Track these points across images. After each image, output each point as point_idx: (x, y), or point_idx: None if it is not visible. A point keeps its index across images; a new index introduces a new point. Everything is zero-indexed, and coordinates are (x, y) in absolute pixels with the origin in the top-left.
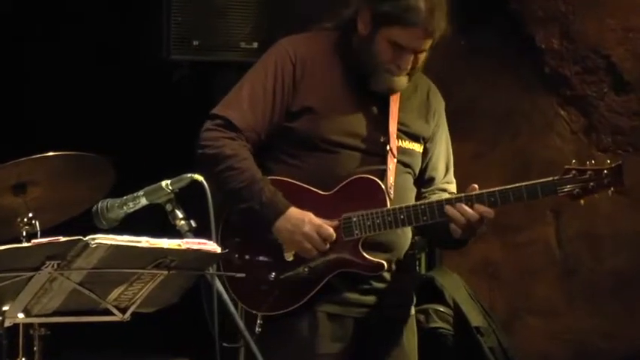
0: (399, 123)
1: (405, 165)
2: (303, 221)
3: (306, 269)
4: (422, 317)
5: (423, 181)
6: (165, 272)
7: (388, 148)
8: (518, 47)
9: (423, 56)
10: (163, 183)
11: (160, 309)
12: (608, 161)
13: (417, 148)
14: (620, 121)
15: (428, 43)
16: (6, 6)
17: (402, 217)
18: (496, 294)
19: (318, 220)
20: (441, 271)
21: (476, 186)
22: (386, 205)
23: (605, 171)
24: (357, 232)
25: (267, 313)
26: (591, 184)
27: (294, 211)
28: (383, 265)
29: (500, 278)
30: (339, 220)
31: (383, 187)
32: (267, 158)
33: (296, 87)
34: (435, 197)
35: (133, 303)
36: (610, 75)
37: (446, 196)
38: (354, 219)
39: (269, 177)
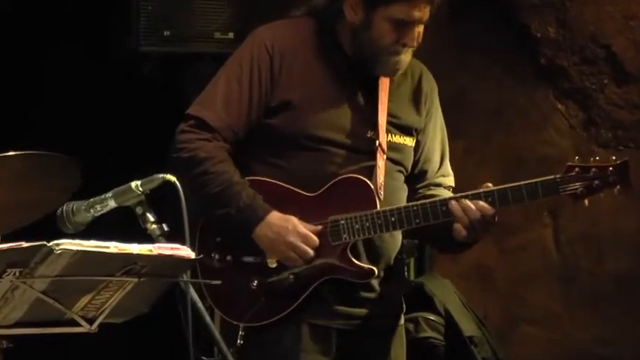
0: (389, 114)
1: (396, 162)
2: (286, 229)
3: (291, 276)
4: (411, 326)
5: (415, 175)
6: (136, 279)
7: (377, 143)
8: (512, 36)
9: (422, 29)
10: (133, 184)
11: (130, 319)
12: (614, 157)
13: (409, 142)
14: (621, 114)
15: (429, 11)
16: None
17: (393, 219)
18: (490, 301)
19: (302, 228)
20: (431, 276)
21: (490, 184)
22: (376, 207)
23: (611, 168)
24: (345, 236)
25: (249, 323)
26: (596, 182)
27: (275, 217)
28: (373, 271)
29: (495, 284)
30: (326, 223)
31: (372, 187)
32: (249, 157)
33: (274, 80)
34: (430, 193)
35: (101, 313)
36: (610, 65)
37: (441, 194)
38: (342, 222)
39: (249, 178)
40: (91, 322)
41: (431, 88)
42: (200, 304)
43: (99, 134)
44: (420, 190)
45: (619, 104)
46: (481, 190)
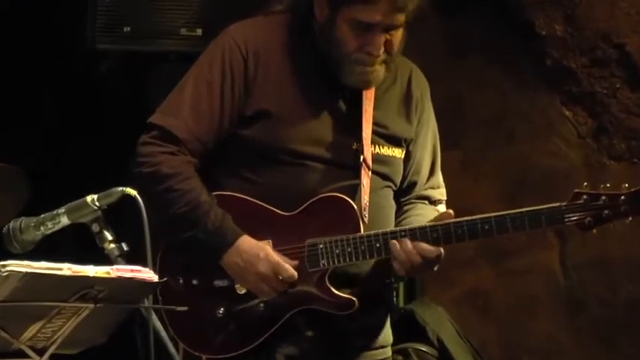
0: (375, 124)
1: (384, 177)
2: (257, 257)
3: (261, 305)
4: (400, 358)
5: (404, 189)
6: (92, 305)
7: (361, 158)
8: (514, 35)
9: (397, 37)
10: (89, 198)
11: (84, 350)
12: (626, 185)
13: (398, 153)
14: (636, 122)
15: (399, 18)
16: None
17: (377, 245)
18: (488, 330)
19: (275, 257)
20: (422, 303)
21: (451, 212)
22: (359, 231)
23: (623, 197)
24: (323, 262)
25: (213, 356)
26: (606, 211)
27: (246, 242)
28: (353, 302)
29: (494, 312)
30: (303, 247)
31: (355, 208)
32: (219, 171)
33: (248, 86)
34: (412, 212)
35: (53, 343)
36: (623, 68)
37: (419, 212)
38: (321, 246)
39: (217, 192)
40: (40, 353)
41: (422, 91)
42: (163, 333)
43: (50, 142)
44: (404, 206)
45: (633, 111)
46: (466, 219)
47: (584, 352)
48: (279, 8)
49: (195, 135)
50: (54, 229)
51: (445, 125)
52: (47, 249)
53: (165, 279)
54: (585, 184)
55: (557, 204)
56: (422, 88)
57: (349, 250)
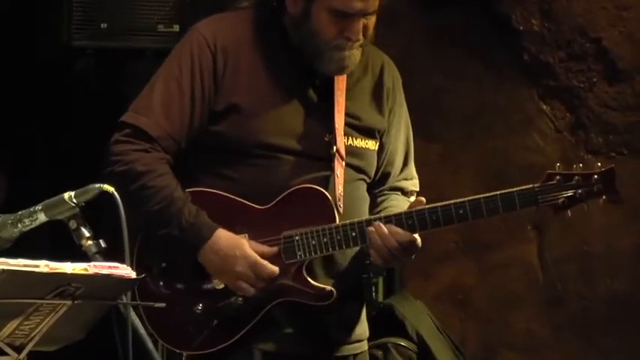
0: (347, 115)
1: (357, 169)
2: (234, 256)
3: (240, 299)
4: (379, 353)
5: (377, 180)
6: (69, 302)
7: (334, 149)
8: (492, 30)
9: (373, 20)
10: (66, 195)
11: (63, 347)
12: (599, 164)
13: (372, 145)
14: (613, 116)
15: (376, 3)
16: None
17: (354, 234)
18: (468, 325)
19: (253, 254)
20: (402, 297)
21: (422, 199)
22: (334, 221)
23: (596, 176)
24: (300, 253)
25: (193, 352)
26: (579, 191)
27: (223, 238)
28: (332, 292)
29: (473, 306)
30: (279, 239)
31: (330, 198)
32: (193, 168)
33: (218, 81)
34: (386, 204)
35: (30, 340)
36: (600, 62)
37: (394, 204)
38: (297, 238)
39: (191, 189)
40: (18, 350)
41: (394, 82)
42: (142, 330)
43: (26, 140)
44: (378, 197)
45: (610, 105)
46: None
47: (563, 347)
48: (247, 4)
49: (168, 133)
50: (31, 226)
51: (424, 119)
52: (24, 246)
53: (143, 275)
54: (558, 164)
55: (531, 185)
56: (394, 78)
57: (325, 240)
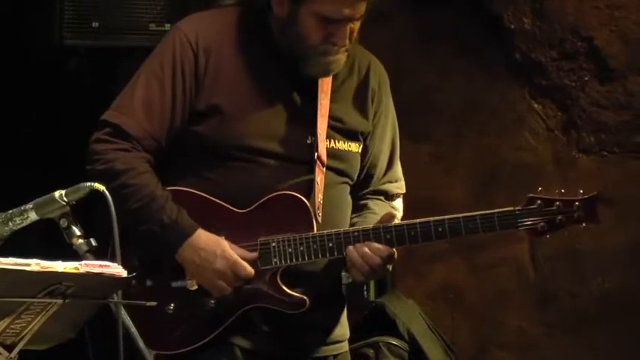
0: (331, 117)
1: (340, 173)
2: (214, 255)
3: (212, 301)
4: (371, 352)
5: (360, 182)
6: (60, 301)
7: (316, 156)
8: (483, 28)
9: (357, 25)
10: (57, 194)
11: (54, 346)
12: (581, 191)
13: (355, 147)
14: (605, 115)
15: (362, 7)
16: None
17: (330, 244)
18: (460, 324)
19: (233, 254)
20: (393, 296)
21: (392, 213)
22: (312, 229)
23: (577, 203)
24: (275, 260)
25: (163, 352)
26: (559, 217)
27: (202, 238)
28: (305, 301)
29: (464, 305)
30: (255, 245)
31: (309, 206)
32: (173, 168)
33: (199, 81)
34: (365, 213)
35: (22, 339)
36: (592, 61)
37: (377, 209)
38: (273, 244)
39: (171, 188)
40: (9, 349)
41: (380, 82)
42: (133, 329)
43: (17, 139)
44: (360, 201)
45: (602, 104)
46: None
47: (555, 345)
48: (231, 2)
49: (148, 132)
50: (22, 225)
51: (415, 117)
52: (15, 245)
53: (135, 274)
54: (540, 189)
55: (511, 208)
56: (380, 79)
57: (302, 249)
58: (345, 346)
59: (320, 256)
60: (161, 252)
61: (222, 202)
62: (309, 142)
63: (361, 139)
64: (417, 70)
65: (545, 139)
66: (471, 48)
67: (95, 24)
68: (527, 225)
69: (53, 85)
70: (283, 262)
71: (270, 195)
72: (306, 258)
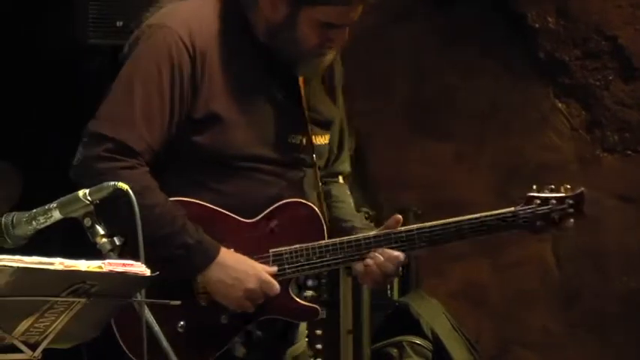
0: (310, 110)
1: (320, 168)
2: (246, 274)
3: (224, 317)
4: (395, 352)
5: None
6: (84, 300)
7: (314, 156)
8: (507, 27)
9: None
10: (81, 193)
11: (78, 345)
12: (568, 186)
13: (327, 139)
14: (629, 114)
15: (360, 10)
16: None
17: (342, 255)
18: (483, 323)
19: (264, 273)
20: (417, 296)
21: (399, 217)
22: (323, 237)
23: (569, 199)
24: (289, 272)
25: None
26: (554, 215)
27: (228, 257)
28: (317, 310)
29: (488, 304)
30: (267, 256)
31: (319, 214)
32: (174, 178)
33: (196, 86)
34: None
35: (45, 337)
36: (616, 60)
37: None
38: (286, 256)
39: (176, 198)
40: (33, 347)
41: (337, 65)
42: (157, 327)
43: (43, 139)
44: (324, 186)
45: (626, 103)
46: (416, 227)
47: (578, 344)
48: None
49: (149, 145)
50: (46, 224)
51: (439, 118)
52: (39, 244)
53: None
54: (535, 186)
55: (513, 208)
56: (340, 66)
57: (314, 259)
58: (304, 344)
59: (332, 266)
60: (185, 274)
61: (228, 213)
62: (297, 142)
63: (329, 128)
64: (439, 70)
65: (569, 138)
66: (495, 47)
67: (119, 23)
68: (527, 224)
69: (77, 84)
70: (295, 273)
71: (278, 203)
72: (319, 268)
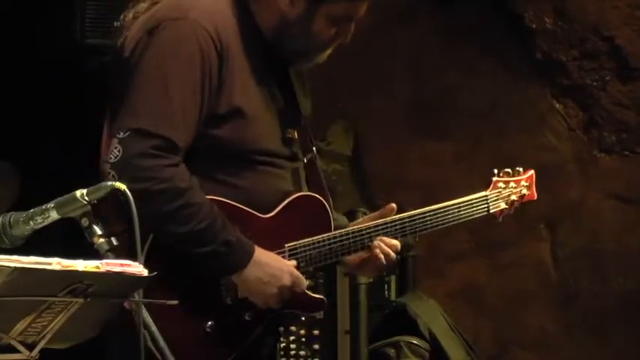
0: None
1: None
2: (281, 270)
3: (248, 315)
4: (392, 352)
5: None
6: (82, 300)
7: (315, 150)
8: (505, 28)
9: None
10: (78, 193)
11: (75, 345)
12: (519, 169)
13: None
14: (626, 115)
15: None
16: None
17: (347, 243)
18: (480, 323)
19: (294, 269)
20: (414, 296)
21: (393, 205)
22: (330, 229)
23: (524, 182)
24: (302, 264)
25: None
26: (513, 197)
27: (263, 254)
28: (324, 301)
29: (486, 304)
30: (283, 250)
31: (328, 207)
32: (192, 173)
33: (222, 82)
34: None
35: (43, 337)
36: (613, 60)
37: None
38: (300, 249)
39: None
40: (31, 347)
41: None
42: (154, 327)
43: (40, 139)
44: None
45: (623, 103)
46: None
47: (575, 344)
48: None
49: (187, 141)
50: (43, 224)
51: (437, 117)
52: (36, 244)
53: (155, 273)
54: (495, 170)
55: (483, 193)
56: None
57: (324, 251)
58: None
59: (340, 255)
60: (223, 271)
61: (246, 209)
62: (292, 137)
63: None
64: (439, 70)
65: (567, 138)
66: (494, 48)
67: (117, 23)
68: (495, 208)
69: (74, 84)
70: (309, 266)
71: (291, 197)
72: (329, 259)
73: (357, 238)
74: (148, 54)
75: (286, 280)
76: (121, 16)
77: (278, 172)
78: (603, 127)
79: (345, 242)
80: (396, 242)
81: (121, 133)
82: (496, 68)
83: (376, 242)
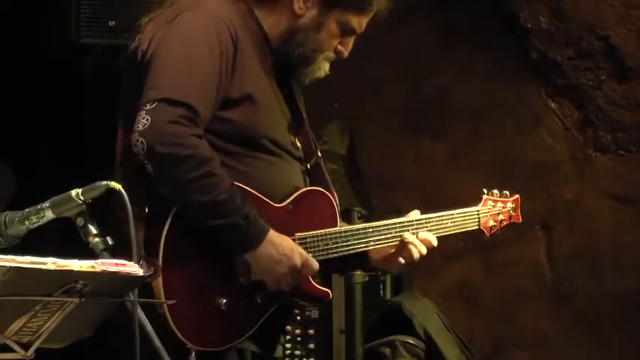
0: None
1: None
2: (291, 250)
3: (261, 298)
4: (387, 351)
5: None
6: (77, 299)
7: (319, 151)
8: (500, 27)
9: None
10: (73, 192)
11: (71, 344)
12: (506, 192)
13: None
14: (621, 114)
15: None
16: None
17: (354, 239)
18: (476, 322)
19: (306, 253)
20: (410, 295)
21: (417, 212)
22: (336, 225)
23: (510, 203)
24: (311, 255)
25: (210, 348)
26: (501, 216)
27: (274, 234)
28: (328, 294)
29: (481, 304)
30: (294, 240)
31: (335, 203)
32: None
33: (236, 67)
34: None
35: (38, 337)
36: (609, 60)
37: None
38: (309, 240)
39: None
40: (26, 347)
41: None
42: (149, 327)
43: (35, 138)
44: None
45: (619, 103)
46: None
47: (570, 344)
48: None
49: (207, 119)
50: (39, 224)
51: (432, 116)
52: (32, 243)
53: (150, 274)
54: (485, 189)
55: (474, 208)
56: None
57: (332, 244)
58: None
59: (348, 251)
60: (240, 246)
61: (259, 195)
62: (295, 142)
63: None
64: (435, 70)
65: (562, 138)
66: (489, 47)
67: (112, 23)
68: (483, 224)
69: (70, 83)
70: (317, 257)
71: (302, 190)
72: (336, 253)
73: (363, 236)
74: (169, 38)
75: (297, 260)
76: (138, 22)
77: (288, 167)
78: (599, 127)
79: (349, 239)
80: (427, 236)
81: (148, 106)
82: (491, 68)
83: (409, 236)
